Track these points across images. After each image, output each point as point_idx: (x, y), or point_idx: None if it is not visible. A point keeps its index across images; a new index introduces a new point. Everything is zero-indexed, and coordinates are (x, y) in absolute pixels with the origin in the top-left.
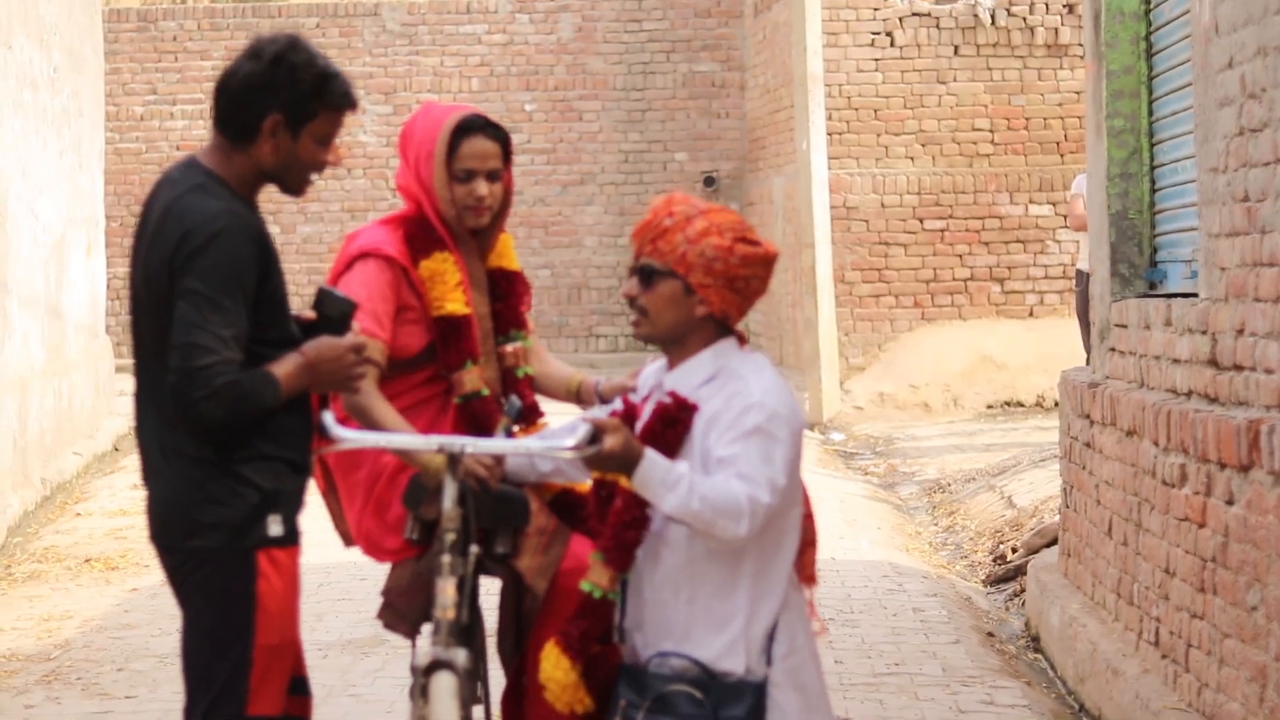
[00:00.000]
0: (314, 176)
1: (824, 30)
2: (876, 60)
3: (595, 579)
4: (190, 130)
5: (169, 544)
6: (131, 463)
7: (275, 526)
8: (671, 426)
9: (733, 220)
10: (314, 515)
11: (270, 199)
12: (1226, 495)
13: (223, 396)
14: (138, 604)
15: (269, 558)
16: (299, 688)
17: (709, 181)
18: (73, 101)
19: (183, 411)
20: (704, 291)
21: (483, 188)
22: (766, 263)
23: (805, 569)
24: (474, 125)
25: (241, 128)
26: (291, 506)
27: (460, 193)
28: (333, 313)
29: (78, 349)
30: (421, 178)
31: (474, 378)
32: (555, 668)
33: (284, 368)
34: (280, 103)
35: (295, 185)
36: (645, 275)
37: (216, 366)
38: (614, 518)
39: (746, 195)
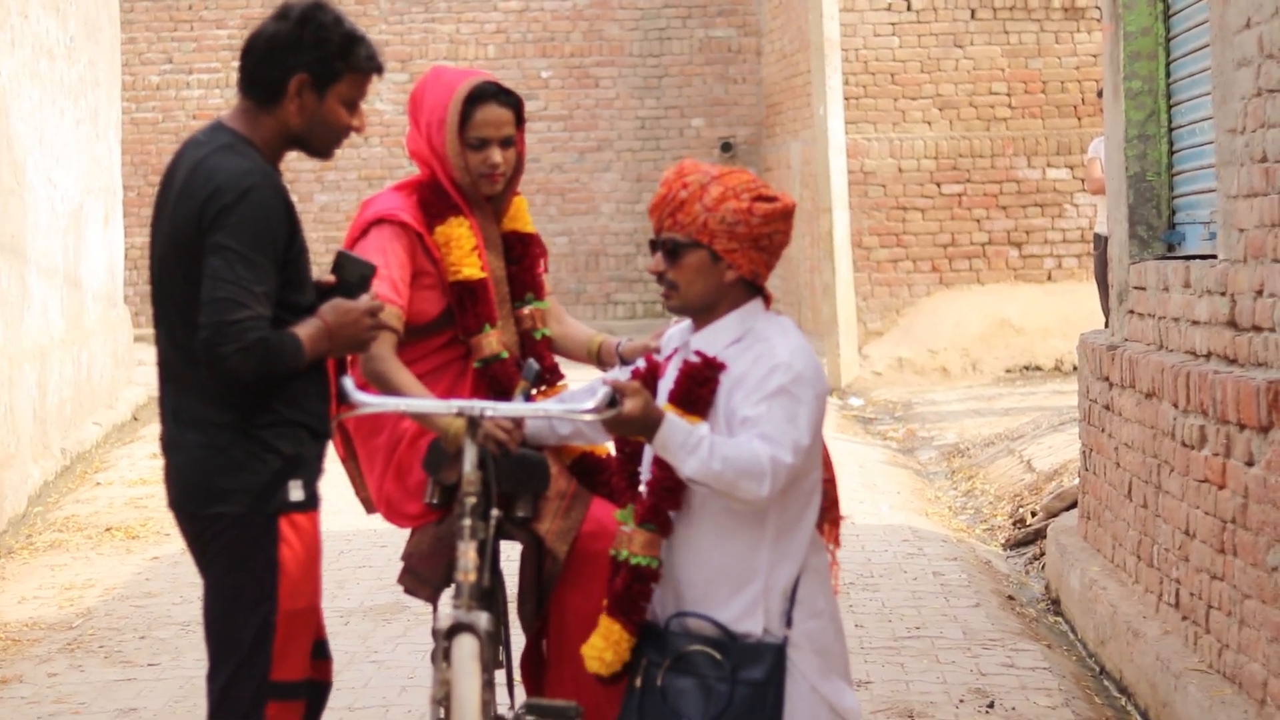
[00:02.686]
0: (342, 141)
1: None
2: (893, 24)
3: (643, 549)
4: (206, 99)
5: (191, 510)
6: (150, 432)
7: (296, 491)
8: (704, 385)
9: (746, 180)
10: (333, 483)
11: (287, 168)
12: (1246, 456)
13: (253, 351)
14: (159, 572)
15: (290, 523)
16: (320, 651)
17: (726, 147)
18: (89, 71)
19: (213, 367)
20: (731, 256)
21: (496, 155)
22: (786, 215)
23: (829, 531)
24: (486, 93)
25: (267, 88)
26: (312, 472)
27: (474, 160)
28: (352, 277)
29: (96, 318)
30: (434, 145)
31: (493, 341)
32: (621, 644)
33: (308, 331)
34: (307, 63)
35: (321, 148)
36: (670, 249)
37: (248, 321)
38: (654, 485)
39: (764, 161)
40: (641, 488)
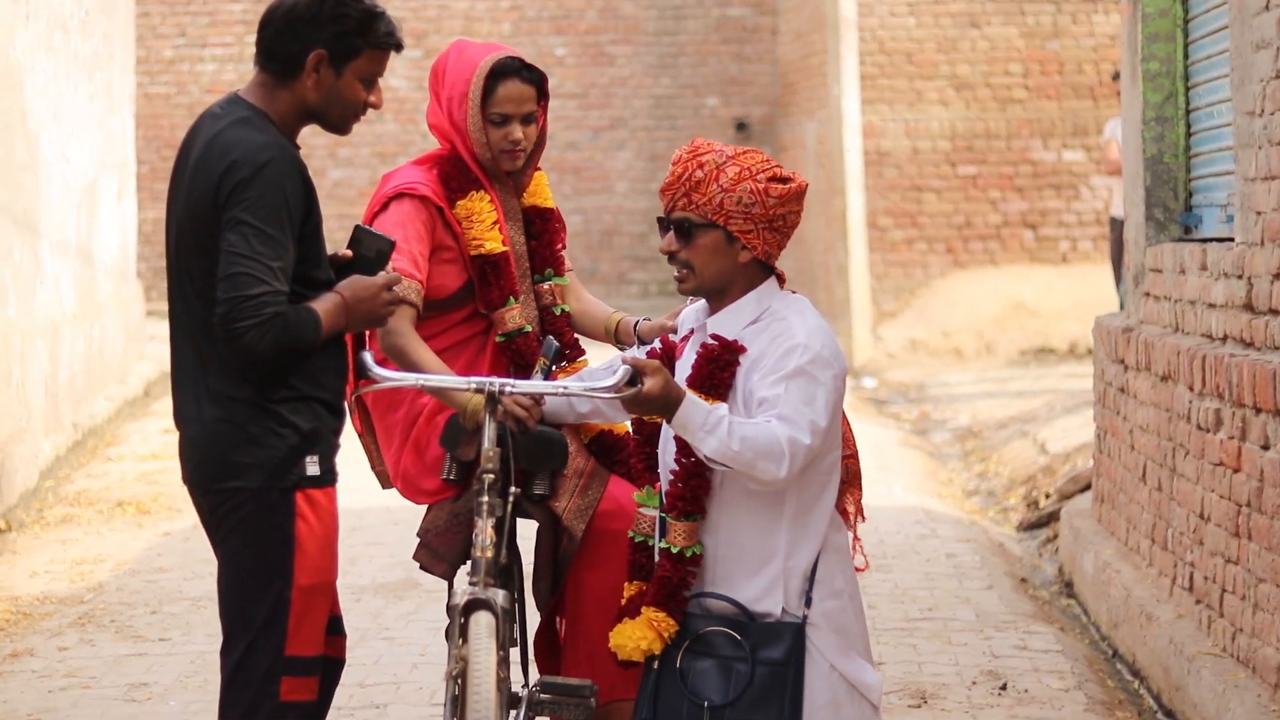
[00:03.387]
0: (360, 117)
1: None
2: (910, 4)
3: (684, 539)
4: (220, 74)
5: (206, 485)
6: (162, 407)
7: (313, 466)
8: (725, 369)
9: (761, 160)
10: (346, 459)
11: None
12: (1262, 440)
13: (270, 326)
14: (170, 547)
15: (307, 498)
16: (334, 627)
17: (741, 126)
18: (103, 45)
19: (230, 342)
20: (746, 237)
21: (518, 131)
22: (800, 196)
23: (850, 510)
24: (509, 69)
25: (285, 62)
26: (328, 447)
27: (495, 136)
28: (369, 251)
29: (108, 293)
30: (455, 120)
31: (516, 315)
32: (658, 629)
33: (325, 306)
34: (325, 37)
35: (338, 124)
36: (683, 229)
37: (265, 296)
38: (683, 473)
39: (779, 140)
40: (662, 470)
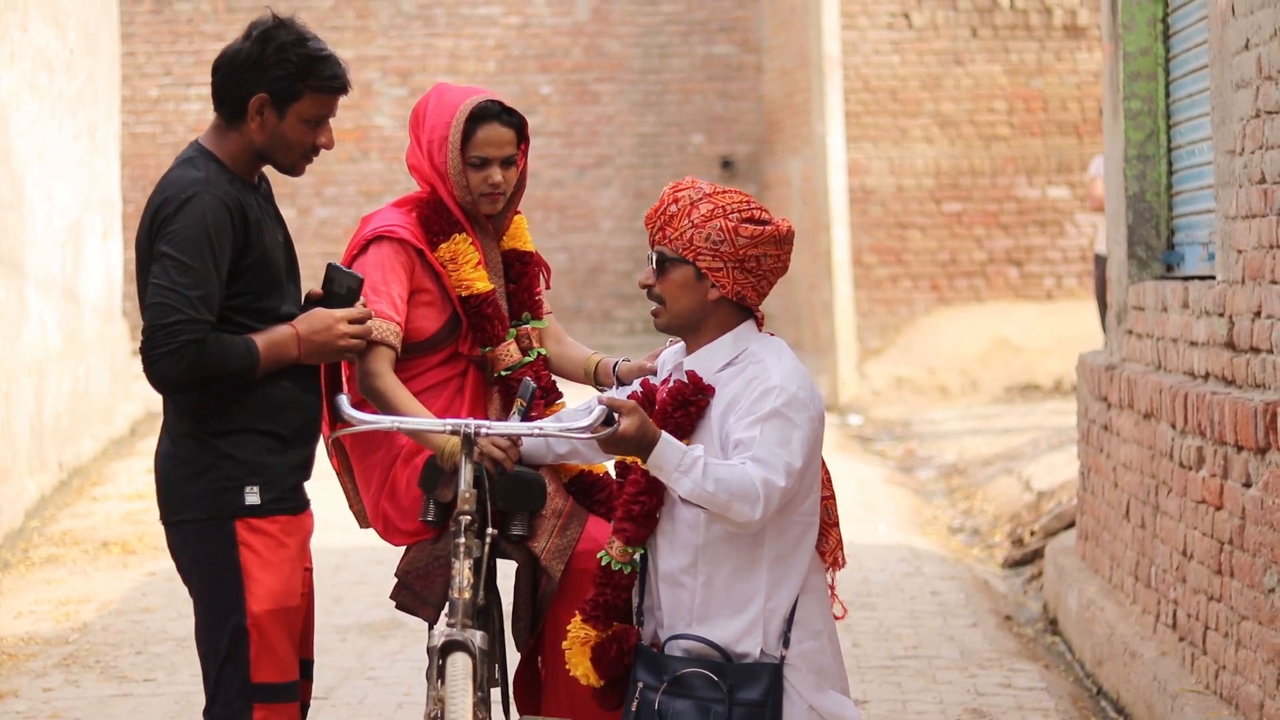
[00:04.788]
0: (311, 157)
1: (841, 12)
2: (894, 42)
3: (608, 549)
4: (206, 113)
5: (163, 520)
6: (147, 446)
7: (252, 496)
8: (683, 408)
9: (739, 201)
10: (329, 498)
11: (286, 183)
12: (1244, 477)
13: (183, 354)
14: (155, 587)
15: (248, 527)
16: (303, 671)
17: (726, 164)
18: (88, 85)
19: (147, 369)
20: (715, 275)
21: (497, 175)
22: (777, 240)
23: (829, 551)
24: (489, 112)
25: (232, 106)
26: (273, 478)
27: (475, 179)
28: (340, 288)
29: (94, 332)
30: (435, 162)
31: (513, 350)
32: (576, 631)
33: (269, 337)
34: (265, 82)
35: (287, 165)
36: (658, 263)
37: (179, 325)
38: (625, 489)
39: (764, 178)
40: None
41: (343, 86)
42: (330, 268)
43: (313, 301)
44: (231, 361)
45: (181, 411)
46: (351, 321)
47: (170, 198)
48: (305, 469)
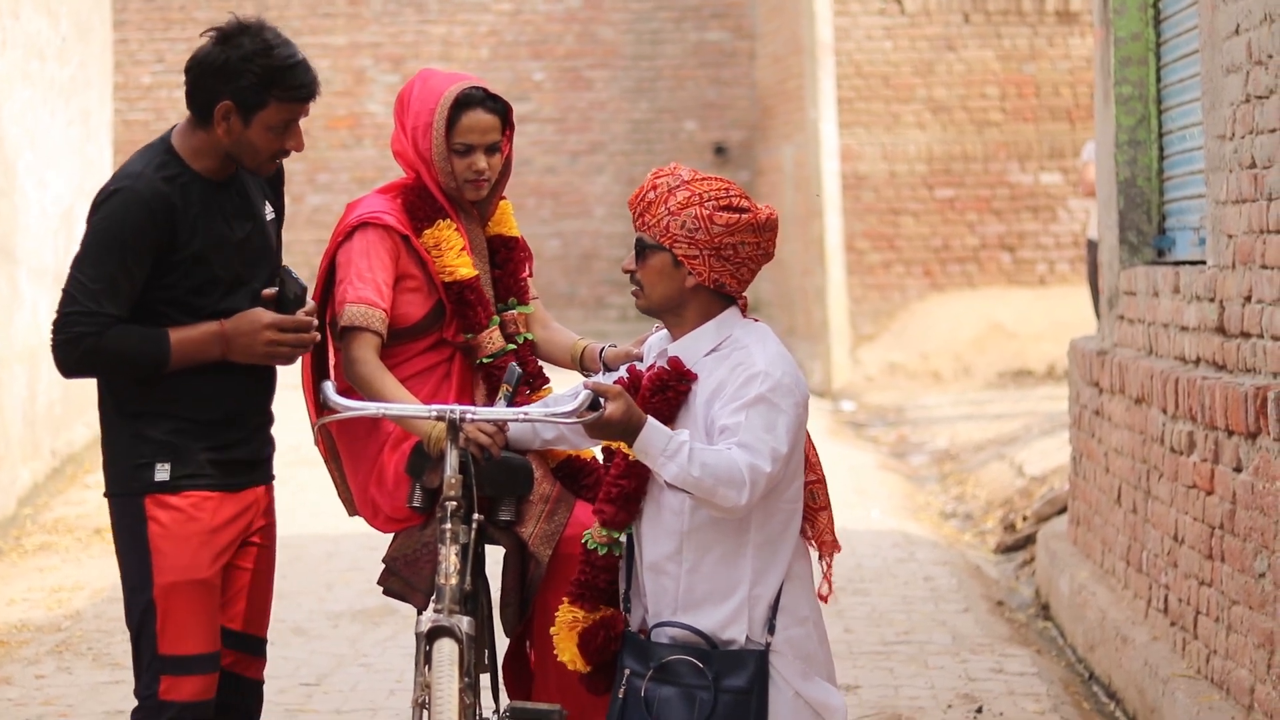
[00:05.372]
0: (280, 158)
1: None
2: (886, 28)
3: (590, 531)
4: None
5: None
6: None
7: (162, 473)
8: (661, 393)
9: (717, 188)
10: (325, 487)
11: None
12: (1234, 462)
13: (75, 345)
14: None
15: (157, 502)
16: (254, 647)
17: (719, 150)
18: (81, 72)
19: (52, 355)
20: (691, 263)
21: (481, 161)
22: (755, 228)
23: (821, 535)
24: (474, 99)
25: (200, 109)
26: (186, 457)
27: (459, 166)
28: (287, 293)
29: None
30: (420, 149)
31: (497, 337)
32: (564, 614)
33: (189, 333)
34: (231, 90)
35: (254, 167)
36: (638, 248)
37: (74, 316)
38: (611, 472)
39: (757, 164)
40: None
41: (310, 95)
42: (282, 270)
43: (263, 302)
44: (134, 355)
45: (103, 392)
46: (285, 329)
47: (102, 189)
48: (235, 449)
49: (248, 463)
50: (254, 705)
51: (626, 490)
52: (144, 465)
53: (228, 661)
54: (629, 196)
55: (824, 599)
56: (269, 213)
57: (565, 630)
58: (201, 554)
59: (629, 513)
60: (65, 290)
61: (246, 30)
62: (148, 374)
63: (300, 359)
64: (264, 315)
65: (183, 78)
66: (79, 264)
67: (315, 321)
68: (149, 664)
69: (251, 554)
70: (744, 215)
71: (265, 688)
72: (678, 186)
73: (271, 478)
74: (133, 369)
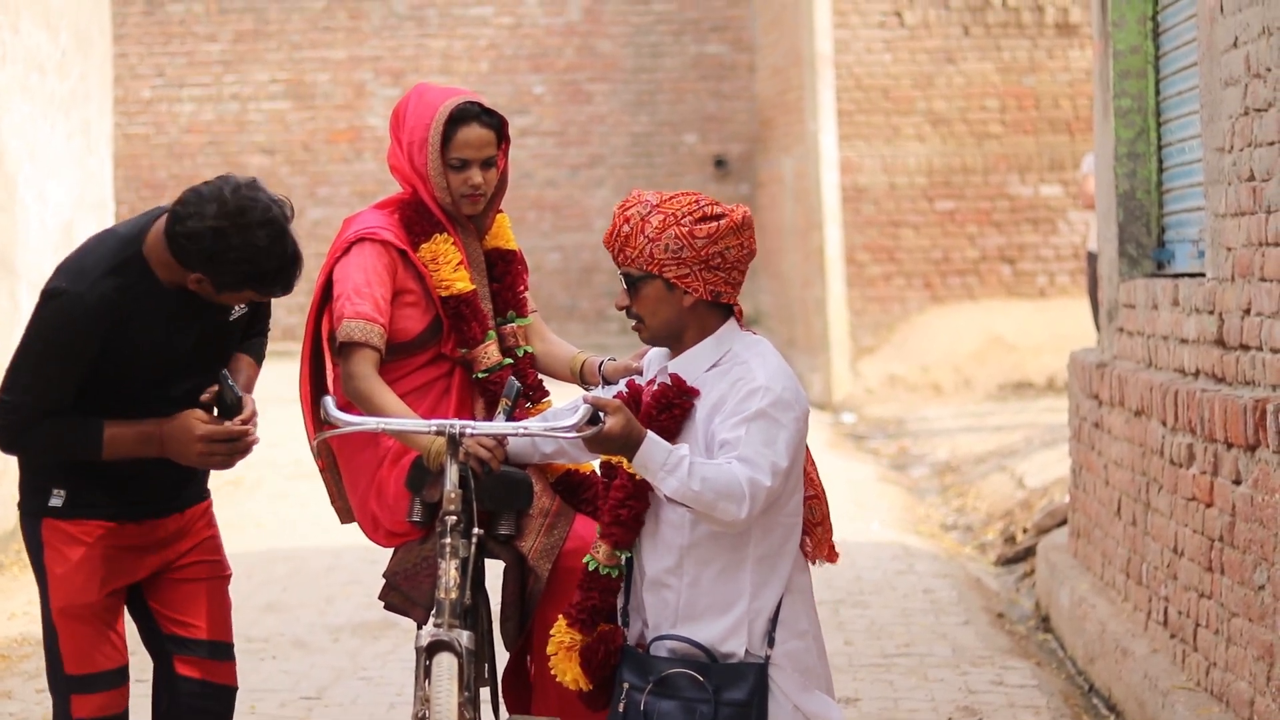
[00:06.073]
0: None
1: (833, 10)
2: (886, 40)
3: (594, 553)
4: (198, 114)
5: None
6: None
7: (56, 499)
8: (667, 410)
9: (688, 203)
10: (322, 501)
11: (279, 183)
12: (1234, 475)
13: (4, 432)
14: None
15: (50, 527)
16: (223, 653)
17: (719, 163)
18: (80, 85)
19: None
20: (684, 282)
21: (477, 176)
22: (735, 230)
23: (820, 547)
24: (469, 114)
25: (177, 259)
26: (80, 486)
27: (455, 181)
28: (223, 399)
29: None
30: (415, 164)
31: (493, 351)
32: (556, 632)
33: (125, 431)
34: (210, 273)
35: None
36: (628, 283)
37: (7, 404)
38: (612, 494)
39: (757, 176)
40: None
41: (283, 291)
42: (221, 377)
43: (204, 404)
44: (64, 447)
45: None
46: (217, 440)
47: (50, 282)
48: (137, 487)
49: (152, 499)
50: (226, 711)
51: (636, 511)
52: (41, 489)
53: (198, 674)
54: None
55: (833, 560)
56: (239, 309)
57: (564, 651)
58: (92, 579)
59: (636, 532)
60: (6, 374)
61: (241, 217)
62: (77, 459)
63: (298, 374)
64: (197, 427)
65: (182, 92)
66: (19, 355)
67: (250, 430)
68: (58, 685)
69: (198, 569)
70: (722, 221)
71: (266, 702)
72: (649, 213)
73: (194, 503)
74: (65, 456)
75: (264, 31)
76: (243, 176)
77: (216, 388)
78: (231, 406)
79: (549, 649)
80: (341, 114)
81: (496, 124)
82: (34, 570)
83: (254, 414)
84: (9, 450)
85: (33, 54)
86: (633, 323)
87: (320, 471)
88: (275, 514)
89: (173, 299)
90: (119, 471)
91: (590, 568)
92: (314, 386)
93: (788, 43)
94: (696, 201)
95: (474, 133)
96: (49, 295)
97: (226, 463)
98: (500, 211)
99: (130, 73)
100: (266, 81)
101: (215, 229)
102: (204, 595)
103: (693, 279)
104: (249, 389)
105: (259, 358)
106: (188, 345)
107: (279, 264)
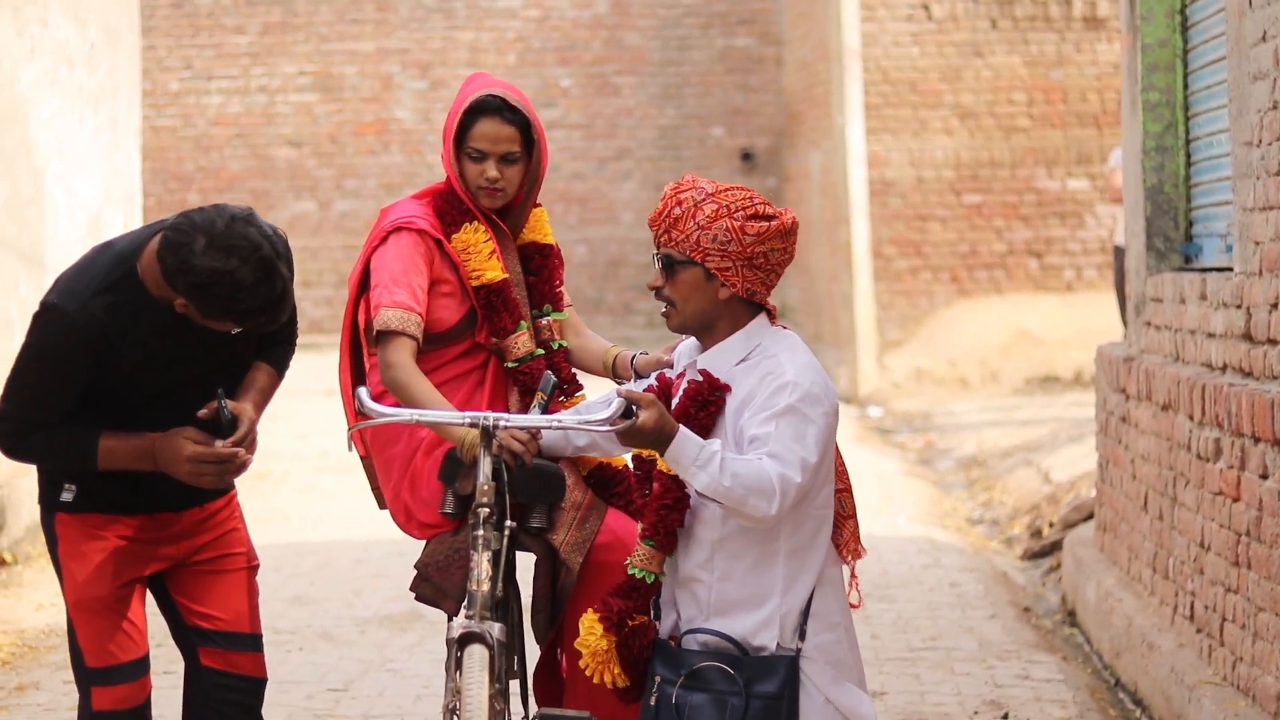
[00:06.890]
0: None
1: (861, 4)
2: (913, 34)
3: (642, 562)
4: (226, 106)
5: None
6: None
7: (67, 494)
8: (704, 408)
9: (742, 198)
10: (354, 494)
11: (308, 174)
12: (1261, 469)
13: (3, 442)
14: None
15: (63, 522)
16: (253, 644)
17: (746, 157)
18: (109, 78)
19: None
20: (724, 275)
21: (492, 170)
22: (783, 234)
23: (847, 542)
24: (489, 106)
25: (168, 281)
26: (88, 482)
27: (472, 172)
28: (218, 418)
29: None
30: (445, 153)
31: (526, 340)
32: (591, 635)
33: (121, 444)
34: (190, 299)
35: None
36: (666, 265)
37: (4, 413)
38: (654, 501)
39: (784, 170)
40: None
41: (269, 327)
42: (217, 395)
43: (201, 422)
44: (60, 457)
45: None
46: (205, 461)
47: (44, 299)
48: (148, 484)
49: (165, 494)
50: (254, 703)
51: (679, 520)
52: (54, 484)
53: (221, 665)
54: (657, 203)
55: (855, 607)
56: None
57: (601, 654)
58: (103, 571)
59: (676, 537)
60: (5, 384)
61: (230, 254)
62: (74, 467)
63: (337, 364)
64: (185, 447)
65: (210, 84)
66: (16, 367)
67: (240, 451)
68: (80, 677)
69: (221, 562)
70: (772, 223)
71: (292, 694)
72: (704, 200)
73: (214, 497)
74: (61, 466)
75: (292, 24)
76: (239, 208)
77: (216, 404)
78: (224, 426)
79: (579, 642)
80: (369, 106)
81: (521, 121)
82: (52, 563)
83: (249, 434)
84: (11, 458)
85: (61, 48)
86: (662, 307)
87: (361, 459)
88: (302, 507)
89: (169, 314)
90: (128, 471)
91: (636, 575)
92: (354, 377)
93: (815, 36)
94: (750, 198)
95: (491, 126)
96: (42, 309)
97: (217, 482)
98: (538, 205)
99: (158, 65)
100: (294, 74)
101: (201, 264)
102: (227, 587)
103: (733, 273)
104: (265, 400)
105: (281, 367)
106: (189, 358)
107: (262, 303)
